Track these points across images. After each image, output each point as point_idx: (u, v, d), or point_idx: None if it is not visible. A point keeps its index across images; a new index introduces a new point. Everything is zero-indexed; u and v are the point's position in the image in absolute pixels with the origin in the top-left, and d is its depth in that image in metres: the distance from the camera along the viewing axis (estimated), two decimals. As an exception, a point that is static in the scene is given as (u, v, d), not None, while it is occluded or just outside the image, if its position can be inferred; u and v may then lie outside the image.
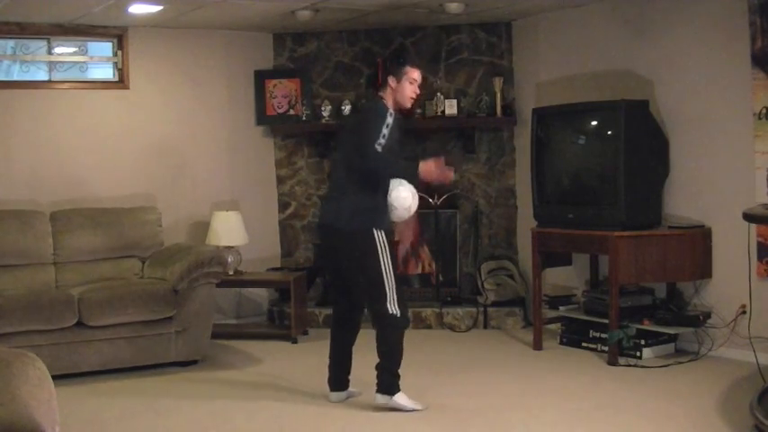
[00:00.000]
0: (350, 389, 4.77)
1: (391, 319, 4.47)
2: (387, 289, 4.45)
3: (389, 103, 4.52)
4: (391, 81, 4.51)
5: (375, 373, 4.55)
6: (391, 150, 4.45)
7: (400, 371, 4.54)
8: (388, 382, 4.52)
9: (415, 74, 4.54)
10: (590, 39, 6.25)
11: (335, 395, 4.72)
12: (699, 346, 5.53)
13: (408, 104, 4.60)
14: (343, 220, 4.46)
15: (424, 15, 6.45)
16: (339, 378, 4.73)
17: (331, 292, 4.67)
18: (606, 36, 6.12)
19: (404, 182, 4.54)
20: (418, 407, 4.53)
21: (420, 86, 4.61)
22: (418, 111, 6.84)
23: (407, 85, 4.52)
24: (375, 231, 4.45)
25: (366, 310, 4.66)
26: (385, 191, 4.48)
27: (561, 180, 5.98)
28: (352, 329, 4.74)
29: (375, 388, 4.55)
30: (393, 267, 4.49)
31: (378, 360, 4.54)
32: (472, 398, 4.77)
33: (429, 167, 4.47)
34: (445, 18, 6.52)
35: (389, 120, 4.43)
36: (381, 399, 4.53)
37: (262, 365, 5.67)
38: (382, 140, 4.38)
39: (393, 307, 4.45)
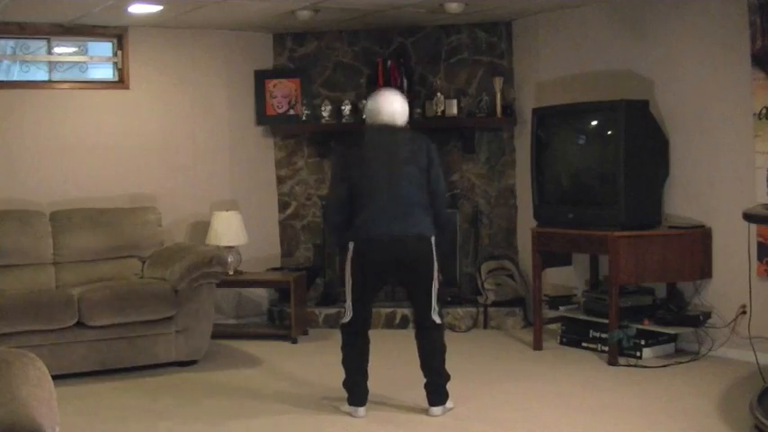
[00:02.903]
0: None
1: (441, 327, 4.55)
2: (433, 299, 4.50)
3: None
4: None
5: (430, 389, 4.48)
6: None
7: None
8: (445, 389, 4.51)
9: None
10: (590, 39, 6.24)
11: (364, 410, 4.49)
12: (699, 346, 5.53)
13: None
14: (426, 228, 4.44)
15: (424, 15, 6.45)
16: (365, 390, 4.52)
17: (360, 305, 4.50)
18: (606, 36, 6.12)
19: None
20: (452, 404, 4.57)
21: None
22: (418, 111, 6.84)
23: None
24: (433, 241, 4.49)
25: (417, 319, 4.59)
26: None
27: (561, 180, 5.98)
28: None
29: (431, 402, 4.47)
30: None
31: (429, 377, 4.49)
32: (472, 398, 4.76)
33: None
34: (445, 18, 6.52)
35: None
36: (440, 410, 4.48)
37: (262, 365, 5.67)
38: None
39: (439, 316, 4.53)
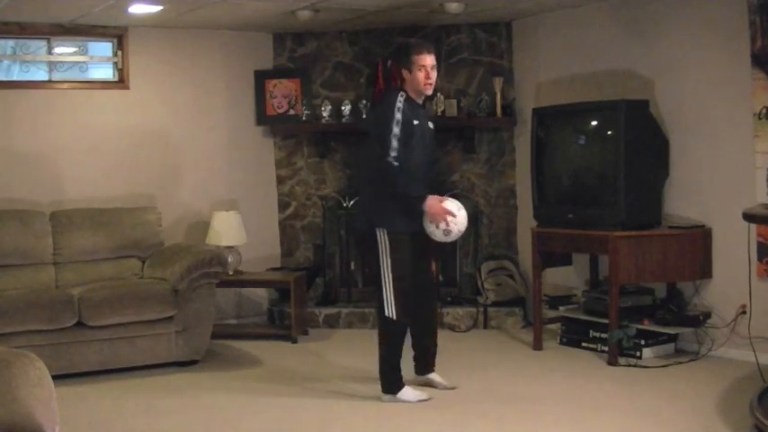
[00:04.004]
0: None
1: (386, 321, 4.61)
2: (383, 291, 4.55)
3: (409, 93, 4.63)
4: (405, 74, 4.61)
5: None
6: (412, 146, 4.55)
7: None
8: (388, 381, 4.66)
9: (423, 59, 4.60)
10: (590, 39, 6.25)
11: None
12: (699, 346, 5.53)
13: (427, 91, 4.69)
14: (362, 216, 4.75)
15: (424, 15, 6.45)
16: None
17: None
18: (606, 36, 6.12)
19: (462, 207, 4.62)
20: (423, 397, 4.67)
21: (434, 69, 4.66)
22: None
23: (418, 73, 4.59)
24: (378, 231, 4.55)
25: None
26: (393, 194, 4.53)
27: (561, 180, 5.98)
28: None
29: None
30: (396, 271, 4.54)
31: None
32: (472, 398, 4.77)
33: (433, 204, 4.54)
34: (445, 18, 6.52)
35: (400, 103, 4.54)
36: (385, 398, 4.67)
37: (262, 365, 5.67)
38: (397, 130, 4.49)
39: (390, 310, 4.56)
